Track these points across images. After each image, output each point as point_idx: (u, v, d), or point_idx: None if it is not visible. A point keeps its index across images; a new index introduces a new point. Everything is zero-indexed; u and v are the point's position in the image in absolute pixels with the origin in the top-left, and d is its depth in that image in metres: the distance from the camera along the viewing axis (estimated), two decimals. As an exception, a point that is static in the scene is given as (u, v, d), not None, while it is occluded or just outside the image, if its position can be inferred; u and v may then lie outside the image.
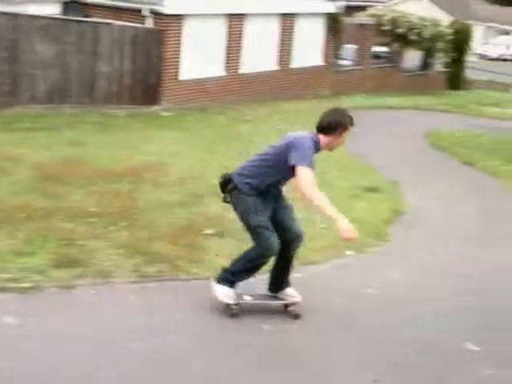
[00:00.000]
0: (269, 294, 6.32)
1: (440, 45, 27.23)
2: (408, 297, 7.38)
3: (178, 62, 18.22)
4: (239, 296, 6.09)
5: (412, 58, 26.98)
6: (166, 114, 17.37)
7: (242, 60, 20.21)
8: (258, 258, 5.93)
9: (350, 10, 28.11)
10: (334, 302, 6.84)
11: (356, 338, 6.13)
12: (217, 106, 18.73)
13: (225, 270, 6.04)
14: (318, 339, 6.07)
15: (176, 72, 18.25)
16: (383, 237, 9.36)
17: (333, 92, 21.25)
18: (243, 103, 19.38)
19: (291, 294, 6.28)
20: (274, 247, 5.84)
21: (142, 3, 17.58)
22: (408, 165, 14.52)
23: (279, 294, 6.29)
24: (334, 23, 22.53)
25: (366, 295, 7.17)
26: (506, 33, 66.90)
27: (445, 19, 32.70)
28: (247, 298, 6.17)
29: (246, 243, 6.28)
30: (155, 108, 17.61)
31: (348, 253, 8.49)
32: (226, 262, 6.32)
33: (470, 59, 33.72)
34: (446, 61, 28.81)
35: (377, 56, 25.69)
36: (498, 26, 67.38)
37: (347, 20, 23.83)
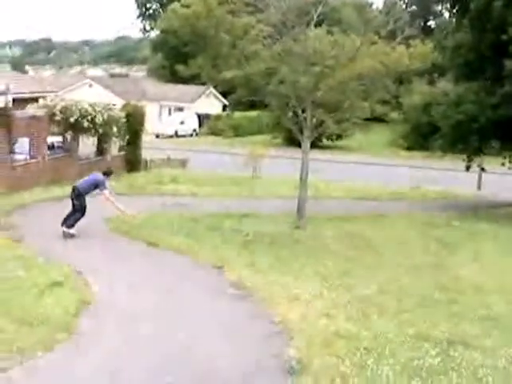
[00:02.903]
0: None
1: (114, 129, 27.73)
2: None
3: None
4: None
5: (87, 144, 27.18)
6: None
7: None
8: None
9: (21, 102, 27.86)
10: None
11: None
12: None
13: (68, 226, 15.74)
14: None
15: None
16: (72, 330, 9.36)
17: (10, 188, 20.66)
18: None
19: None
20: None
21: None
22: (92, 253, 14.57)
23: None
24: (3, 117, 22.09)
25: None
26: (179, 109, 70.38)
27: (118, 102, 33.68)
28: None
29: None
30: None
31: (39, 353, 8.40)
32: None
33: (147, 139, 34.91)
34: (122, 144, 29.44)
35: (52, 146, 25.61)
36: (171, 103, 70.71)
37: (18, 113, 23.51)
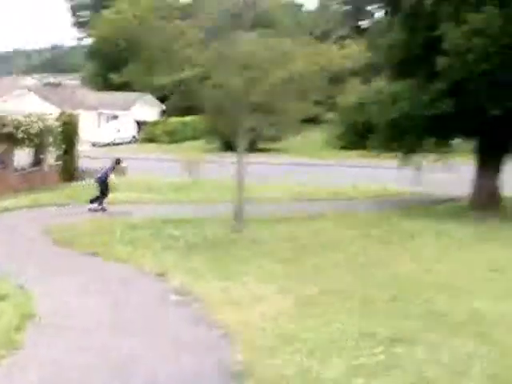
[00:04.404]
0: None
1: (50, 139, 27.41)
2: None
3: None
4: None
5: (23, 155, 26.79)
6: None
7: None
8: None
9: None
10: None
11: None
12: None
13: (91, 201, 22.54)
14: None
15: None
16: (15, 345, 9.16)
17: None
18: None
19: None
20: None
21: None
22: (34, 265, 14.40)
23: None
24: None
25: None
26: (114, 117, 69.74)
27: (54, 112, 33.10)
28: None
29: None
30: None
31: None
32: None
33: (83, 148, 34.45)
34: (58, 154, 29.06)
35: (-14, 159, 25.15)
36: (108, 111, 70.02)
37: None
